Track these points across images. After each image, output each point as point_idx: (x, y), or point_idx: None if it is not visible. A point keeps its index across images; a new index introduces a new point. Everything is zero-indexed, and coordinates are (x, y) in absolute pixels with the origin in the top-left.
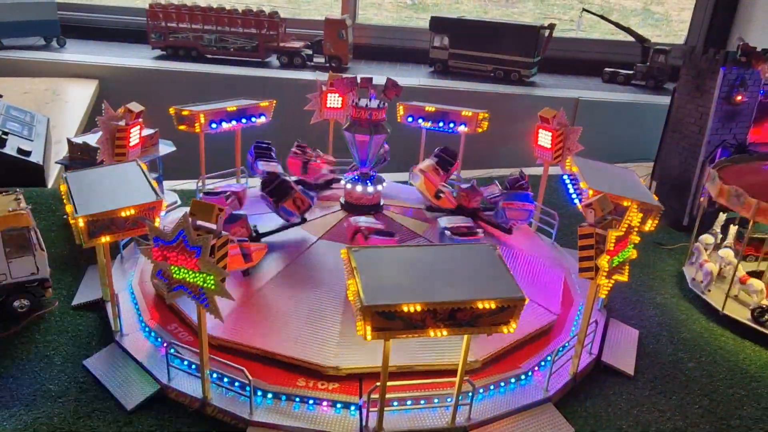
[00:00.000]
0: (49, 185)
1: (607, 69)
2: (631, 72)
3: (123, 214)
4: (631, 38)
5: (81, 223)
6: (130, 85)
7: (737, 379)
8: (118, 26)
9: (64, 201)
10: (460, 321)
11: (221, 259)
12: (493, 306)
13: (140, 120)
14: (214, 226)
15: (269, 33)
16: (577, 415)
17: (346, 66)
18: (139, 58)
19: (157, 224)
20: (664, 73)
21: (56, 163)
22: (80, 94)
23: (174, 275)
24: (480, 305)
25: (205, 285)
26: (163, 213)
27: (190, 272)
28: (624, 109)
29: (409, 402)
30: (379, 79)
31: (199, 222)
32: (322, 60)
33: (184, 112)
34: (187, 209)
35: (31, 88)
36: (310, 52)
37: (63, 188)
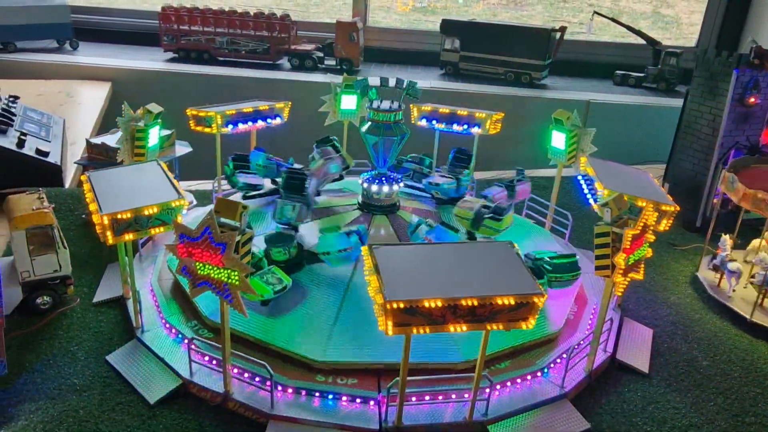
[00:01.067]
0: (67, 185)
1: (618, 71)
2: (642, 74)
3: (147, 212)
4: (642, 41)
5: (106, 221)
6: (142, 87)
7: (752, 378)
8: (131, 29)
9: (87, 200)
10: (479, 317)
11: (245, 256)
12: (512, 302)
13: (159, 121)
14: (238, 224)
15: (280, 36)
16: (593, 411)
17: (357, 68)
18: (152, 60)
19: (179, 221)
20: (676, 75)
21: (75, 163)
22: (93, 96)
23: (198, 271)
24: (499, 301)
25: (230, 281)
26: (184, 212)
27: (215, 268)
28: (635, 112)
29: (427, 397)
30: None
31: (223, 219)
32: (333, 62)
33: (201, 113)
34: (207, 208)
35: (45, 90)
36: (321, 54)
37: (86, 187)
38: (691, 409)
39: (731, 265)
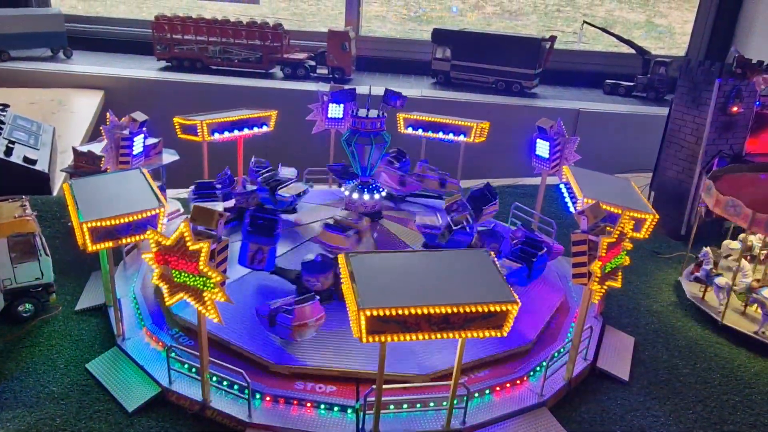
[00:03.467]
0: (54, 193)
1: (608, 81)
2: (632, 84)
3: (127, 220)
4: (632, 50)
5: (85, 228)
6: (135, 96)
7: (731, 386)
8: (124, 38)
9: (69, 207)
10: (453, 324)
11: (221, 263)
12: (486, 310)
13: (144, 128)
14: (214, 231)
15: (273, 45)
16: (572, 419)
17: (349, 77)
18: (145, 69)
19: (159, 230)
20: (665, 84)
21: (62, 171)
22: (86, 104)
23: (175, 279)
24: (473, 309)
25: (205, 288)
26: (165, 220)
27: (191, 276)
28: (625, 121)
29: (404, 405)
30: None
31: (200, 227)
32: (325, 71)
33: (187, 121)
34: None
35: (37, 98)
36: (313, 63)
37: (68, 194)
38: (670, 417)
39: (719, 281)
